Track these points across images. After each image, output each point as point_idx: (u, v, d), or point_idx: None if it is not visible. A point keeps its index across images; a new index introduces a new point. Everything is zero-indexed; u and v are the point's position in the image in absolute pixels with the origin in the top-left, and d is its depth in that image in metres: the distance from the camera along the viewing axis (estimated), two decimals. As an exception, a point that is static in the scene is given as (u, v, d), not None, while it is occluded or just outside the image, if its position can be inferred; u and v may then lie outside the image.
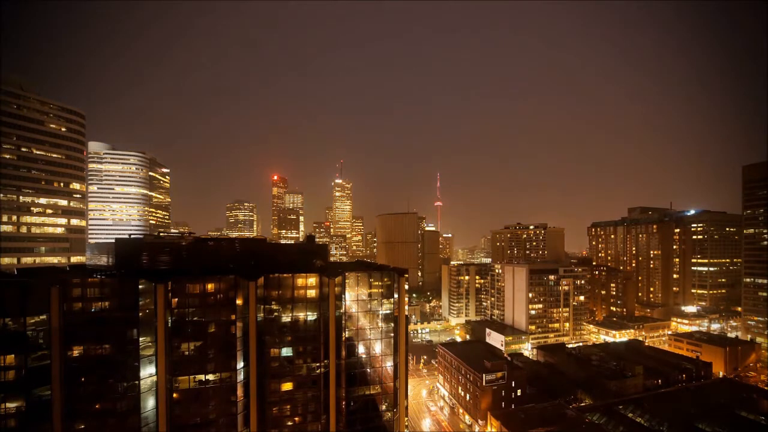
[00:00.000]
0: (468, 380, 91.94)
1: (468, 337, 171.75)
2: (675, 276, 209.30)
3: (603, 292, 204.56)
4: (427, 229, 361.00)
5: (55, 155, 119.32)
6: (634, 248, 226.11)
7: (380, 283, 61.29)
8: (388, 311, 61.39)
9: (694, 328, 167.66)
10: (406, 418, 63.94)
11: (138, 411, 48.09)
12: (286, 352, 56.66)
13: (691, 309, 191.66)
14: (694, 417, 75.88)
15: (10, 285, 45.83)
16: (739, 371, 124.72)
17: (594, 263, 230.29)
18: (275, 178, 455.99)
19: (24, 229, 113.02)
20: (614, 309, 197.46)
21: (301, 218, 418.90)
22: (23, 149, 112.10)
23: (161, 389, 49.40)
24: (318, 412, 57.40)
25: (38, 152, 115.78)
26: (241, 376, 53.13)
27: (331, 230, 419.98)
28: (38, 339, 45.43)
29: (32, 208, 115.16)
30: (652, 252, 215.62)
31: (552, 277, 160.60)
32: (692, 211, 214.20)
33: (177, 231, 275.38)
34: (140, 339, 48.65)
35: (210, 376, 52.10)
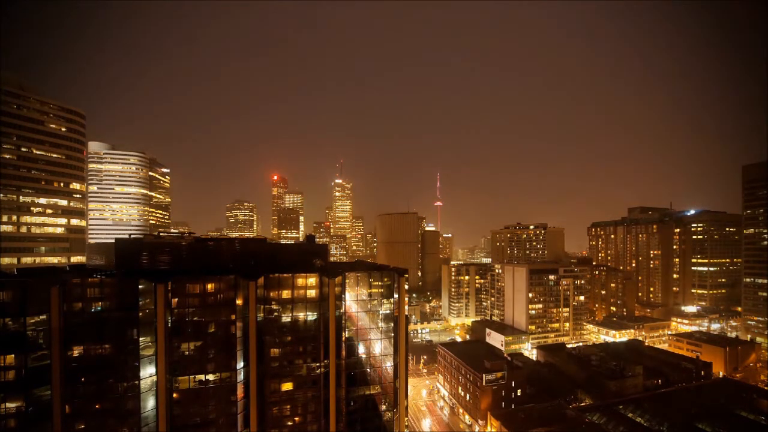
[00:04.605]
0: (468, 380, 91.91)
1: (468, 337, 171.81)
2: (675, 276, 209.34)
3: (603, 292, 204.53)
4: (427, 229, 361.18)
5: (55, 155, 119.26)
6: (634, 248, 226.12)
7: (380, 283, 61.35)
8: (388, 311, 61.44)
9: (694, 328, 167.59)
10: (406, 418, 63.99)
11: (138, 411, 48.10)
12: (286, 352, 56.69)
13: (691, 309, 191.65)
14: (694, 417, 75.86)
15: (10, 285, 45.80)
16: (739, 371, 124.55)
17: (594, 263, 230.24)
18: (275, 178, 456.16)
19: (24, 229, 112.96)
20: (614, 309, 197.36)
21: (301, 218, 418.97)
22: (23, 149, 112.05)
23: (161, 389, 49.40)
24: (318, 412, 57.41)
25: (38, 152, 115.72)
26: (241, 376, 53.14)
27: (331, 230, 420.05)
28: (38, 339, 45.48)
29: (32, 208, 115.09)
30: (652, 252, 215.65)
31: (552, 277, 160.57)
32: (692, 211, 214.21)
33: (177, 231, 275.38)
34: (140, 339, 48.65)
35: (210, 376, 52.11)
